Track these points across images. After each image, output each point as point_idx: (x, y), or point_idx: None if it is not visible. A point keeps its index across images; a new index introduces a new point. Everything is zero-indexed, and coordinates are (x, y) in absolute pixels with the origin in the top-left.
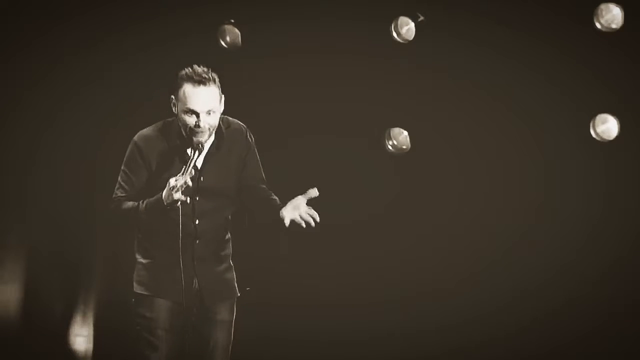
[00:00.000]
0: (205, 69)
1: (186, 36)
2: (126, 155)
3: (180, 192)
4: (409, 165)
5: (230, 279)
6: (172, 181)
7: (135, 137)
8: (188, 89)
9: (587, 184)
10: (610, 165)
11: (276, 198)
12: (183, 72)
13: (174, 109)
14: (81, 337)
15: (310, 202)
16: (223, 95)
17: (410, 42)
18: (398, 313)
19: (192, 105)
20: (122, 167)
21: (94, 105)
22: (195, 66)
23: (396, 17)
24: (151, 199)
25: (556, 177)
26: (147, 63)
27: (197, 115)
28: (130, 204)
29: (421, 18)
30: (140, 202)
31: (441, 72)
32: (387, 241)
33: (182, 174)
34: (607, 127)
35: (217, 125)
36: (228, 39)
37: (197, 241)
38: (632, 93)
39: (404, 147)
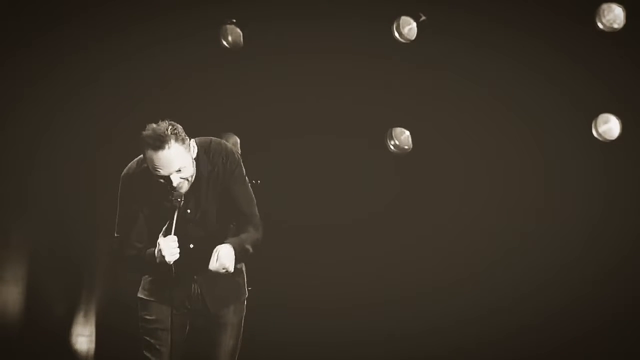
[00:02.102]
0: (165, 126)
1: (187, 36)
2: (118, 193)
3: (170, 256)
4: (410, 165)
5: (236, 283)
6: (161, 242)
7: (123, 174)
8: (150, 154)
9: (587, 184)
10: (611, 165)
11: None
12: (143, 134)
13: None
14: (83, 337)
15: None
16: (192, 141)
17: (412, 41)
18: (398, 313)
19: (158, 170)
20: (118, 205)
21: (94, 105)
22: (154, 127)
23: (398, 17)
24: (147, 253)
25: (556, 177)
26: (147, 63)
27: (167, 177)
28: (131, 253)
29: (423, 18)
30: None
31: (443, 71)
32: (387, 241)
33: (166, 232)
34: (609, 127)
35: (194, 172)
36: (230, 38)
37: (194, 260)
38: (634, 93)
39: (406, 147)
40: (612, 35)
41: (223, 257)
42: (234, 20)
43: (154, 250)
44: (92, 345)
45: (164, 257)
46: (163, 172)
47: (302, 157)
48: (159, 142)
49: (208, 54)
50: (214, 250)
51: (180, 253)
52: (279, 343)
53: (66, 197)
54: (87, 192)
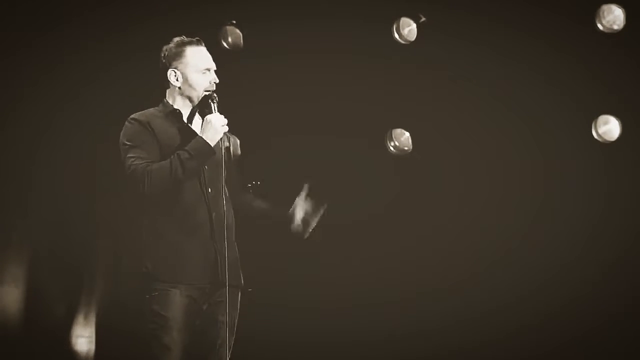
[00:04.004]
0: None
1: (188, 36)
2: (130, 132)
3: (222, 127)
4: (410, 165)
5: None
6: (210, 118)
7: (136, 116)
8: (195, 50)
9: (587, 184)
10: (610, 166)
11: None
12: (178, 40)
13: (176, 82)
14: (83, 338)
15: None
16: None
17: (412, 42)
18: (398, 313)
19: (207, 63)
20: (128, 143)
21: (94, 105)
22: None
23: (398, 18)
24: (190, 146)
25: (556, 177)
26: (147, 63)
27: (210, 72)
28: (162, 163)
29: (423, 19)
30: (175, 157)
31: (443, 72)
32: (387, 241)
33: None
34: (609, 128)
35: None
36: (230, 39)
37: (214, 213)
38: (634, 94)
39: (406, 148)
40: (612, 36)
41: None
42: (234, 22)
43: (200, 138)
44: (92, 346)
45: (215, 129)
46: (211, 65)
47: (302, 157)
48: (199, 39)
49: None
50: (297, 206)
51: (199, 199)
52: (279, 343)
53: (66, 197)
54: (87, 192)
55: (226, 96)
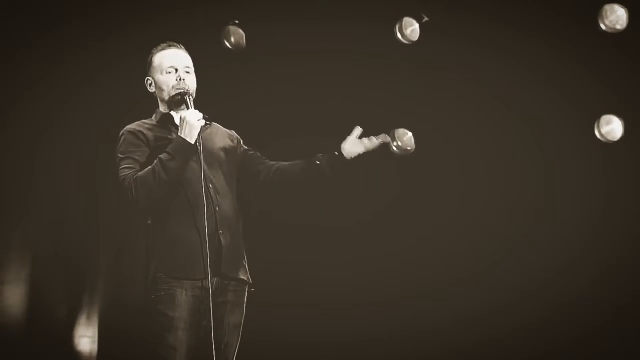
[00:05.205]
0: None
1: (189, 37)
2: (122, 144)
3: (197, 122)
4: (410, 165)
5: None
6: (185, 114)
7: (128, 127)
8: (161, 53)
9: (587, 184)
10: (611, 165)
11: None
12: (153, 49)
13: (150, 89)
14: (85, 338)
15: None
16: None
17: (414, 42)
18: (398, 313)
19: (170, 62)
20: (122, 155)
21: (94, 105)
22: None
23: (400, 18)
24: (170, 147)
25: (556, 177)
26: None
27: (176, 70)
28: (146, 169)
29: (425, 19)
30: (157, 160)
31: (445, 72)
32: (387, 241)
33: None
34: (612, 127)
35: (194, 89)
36: (232, 39)
37: (217, 208)
38: (635, 94)
39: (409, 147)
40: (615, 36)
41: None
42: (237, 22)
43: (179, 137)
44: (95, 346)
45: (190, 124)
46: (175, 64)
47: (303, 157)
48: (170, 43)
49: (209, 54)
50: (355, 141)
51: (199, 195)
52: (279, 343)
53: (66, 197)
54: (87, 192)
55: (228, 96)
